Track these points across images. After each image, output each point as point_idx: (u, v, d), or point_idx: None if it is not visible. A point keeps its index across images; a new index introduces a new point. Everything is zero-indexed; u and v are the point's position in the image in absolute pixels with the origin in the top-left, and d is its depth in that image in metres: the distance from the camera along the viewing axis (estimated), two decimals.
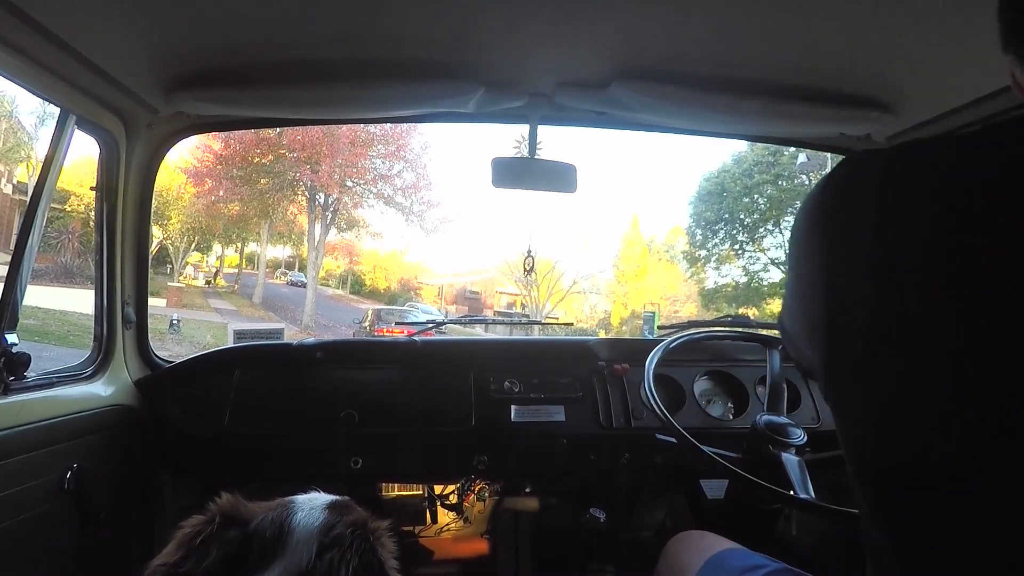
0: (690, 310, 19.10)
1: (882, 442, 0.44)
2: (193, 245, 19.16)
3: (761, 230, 17.73)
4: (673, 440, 1.23)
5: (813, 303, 0.49)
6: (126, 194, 1.39)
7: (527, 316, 16.68)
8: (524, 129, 1.47)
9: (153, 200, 1.48)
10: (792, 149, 14.41)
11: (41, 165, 1.15)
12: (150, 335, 1.54)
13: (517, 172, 1.48)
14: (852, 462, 0.48)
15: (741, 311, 17.02)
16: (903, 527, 0.43)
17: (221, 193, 15.16)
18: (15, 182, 14.36)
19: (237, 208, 15.89)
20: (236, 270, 23.50)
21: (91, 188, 1.36)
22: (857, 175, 0.48)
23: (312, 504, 0.77)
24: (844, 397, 0.48)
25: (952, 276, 0.39)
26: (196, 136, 1.52)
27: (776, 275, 17.80)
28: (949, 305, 0.39)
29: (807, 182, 16.76)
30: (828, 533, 1.64)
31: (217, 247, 22.73)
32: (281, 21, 1.04)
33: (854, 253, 0.45)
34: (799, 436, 1.20)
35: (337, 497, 0.80)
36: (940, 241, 0.40)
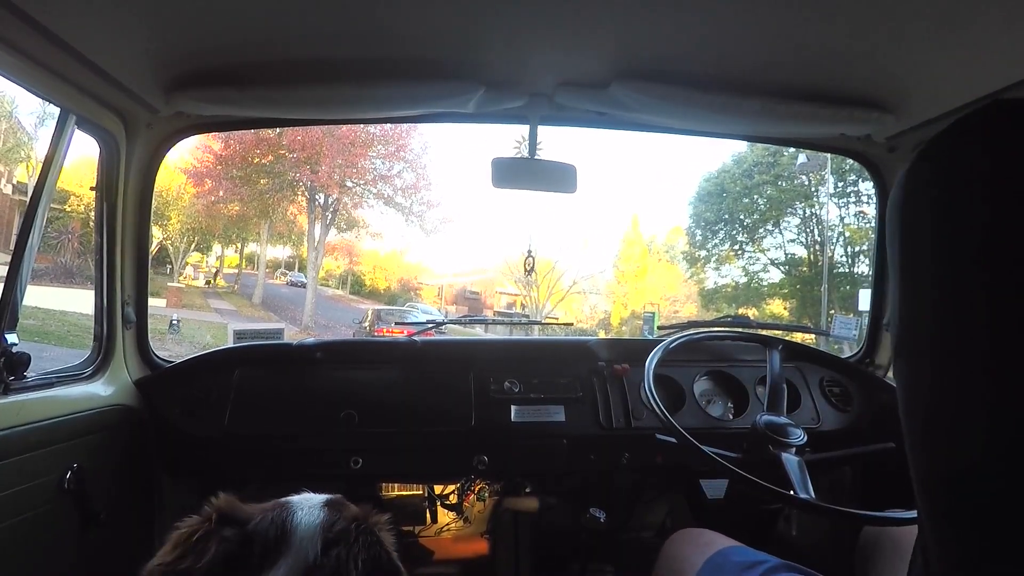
0: (690, 310, 19.10)
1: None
2: (193, 245, 19.14)
3: (761, 230, 17.74)
4: (673, 440, 1.23)
5: None
6: (126, 194, 1.39)
7: (527, 316, 16.67)
8: (524, 129, 1.47)
9: (153, 200, 1.48)
10: (792, 150, 14.42)
11: (41, 165, 1.15)
12: (150, 335, 1.54)
13: (517, 172, 1.48)
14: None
15: (741, 311, 17.04)
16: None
17: (221, 193, 15.14)
18: (15, 182, 14.36)
19: (237, 208, 15.87)
20: (236, 270, 23.46)
21: (91, 188, 1.36)
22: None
23: (309, 503, 0.77)
24: None
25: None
26: (196, 136, 1.52)
27: (775, 275, 17.83)
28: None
29: (807, 182, 16.78)
30: (828, 533, 1.64)
31: (217, 247, 22.70)
32: (281, 21, 1.04)
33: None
34: (799, 436, 1.20)
35: (330, 496, 0.80)
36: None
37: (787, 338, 1.66)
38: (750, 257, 18.17)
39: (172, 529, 0.72)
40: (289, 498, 0.78)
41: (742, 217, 17.72)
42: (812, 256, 17.17)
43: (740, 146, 17.13)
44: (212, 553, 0.68)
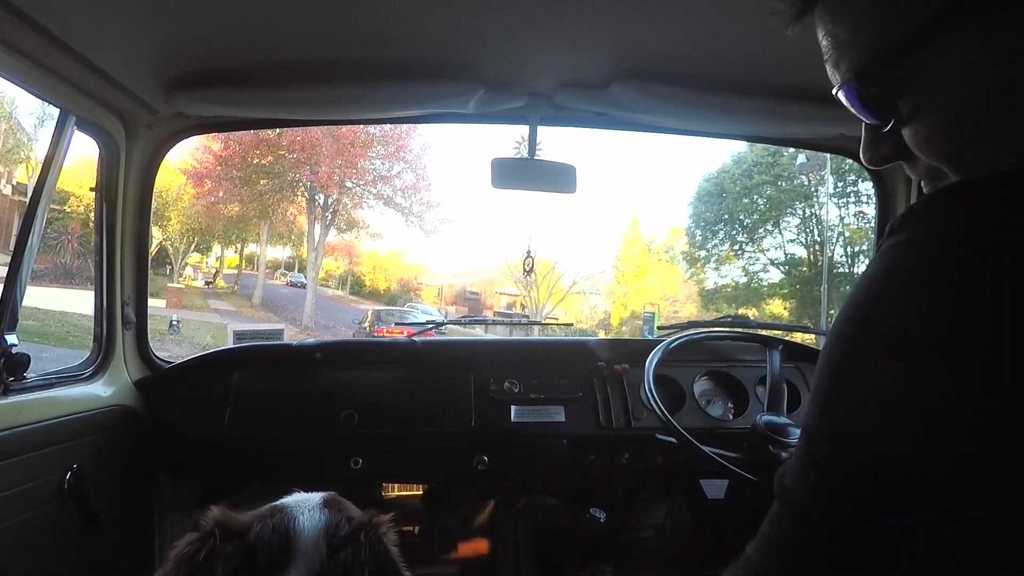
0: (690, 310, 19.12)
1: None
2: (193, 246, 19.19)
3: (761, 231, 17.75)
4: (673, 440, 1.23)
5: None
6: (126, 195, 1.39)
7: (527, 317, 16.68)
8: (524, 130, 1.47)
9: (153, 201, 1.48)
10: (792, 150, 14.43)
11: (41, 166, 1.15)
12: (150, 336, 1.54)
13: (517, 173, 1.48)
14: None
15: (741, 311, 17.03)
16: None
17: (221, 194, 15.17)
18: (15, 183, 14.36)
19: (237, 209, 15.90)
20: (236, 271, 23.51)
21: (91, 189, 1.36)
22: None
23: (307, 505, 0.76)
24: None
25: None
26: (196, 137, 1.52)
27: (775, 275, 17.84)
28: None
29: (807, 182, 16.80)
30: None
31: (217, 248, 22.77)
32: (281, 22, 1.04)
33: None
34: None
35: (325, 494, 0.80)
36: None
37: (787, 338, 1.66)
38: (750, 257, 18.20)
39: (173, 529, 0.72)
40: (284, 501, 0.77)
41: (742, 217, 17.73)
42: (812, 256, 17.19)
43: (740, 146, 17.16)
44: (220, 574, 0.67)
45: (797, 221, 17.43)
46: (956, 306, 0.35)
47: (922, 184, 0.52)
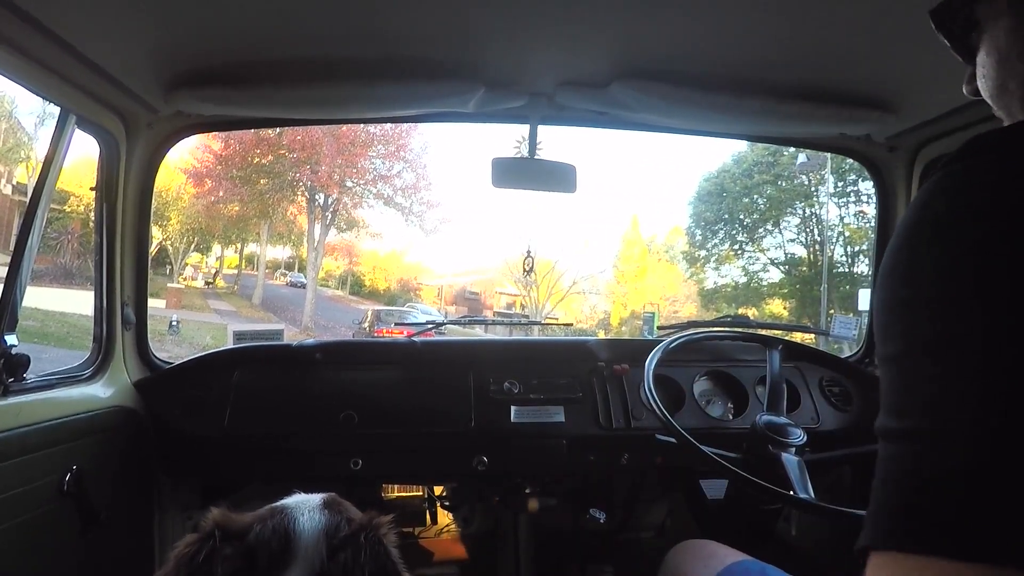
0: (690, 310, 19.12)
1: None
2: (193, 246, 19.18)
3: (761, 230, 17.76)
4: (673, 440, 1.23)
5: None
6: (126, 194, 1.38)
7: (527, 317, 16.68)
8: (524, 129, 1.47)
9: (153, 200, 1.48)
10: (792, 149, 14.44)
11: (41, 165, 1.15)
12: (149, 336, 1.54)
13: (517, 172, 1.48)
14: None
15: (741, 311, 17.05)
16: None
17: (221, 193, 15.18)
18: (15, 182, 14.36)
19: (237, 209, 15.90)
20: (236, 271, 23.53)
21: (91, 188, 1.36)
22: None
23: (307, 506, 0.76)
24: None
25: None
26: (196, 136, 1.52)
27: (775, 275, 17.85)
28: None
29: (807, 182, 16.80)
30: (827, 533, 1.64)
31: (217, 248, 22.76)
32: (281, 21, 1.04)
33: None
34: (799, 436, 1.20)
35: (326, 495, 0.80)
36: None
37: (787, 338, 1.66)
38: (750, 257, 18.22)
39: (174, 530, 0.72)
40: (284, 502, 0.77)
41: (742, 217, 17.74)
42: (812, 256, 17.20)
43: (740, 146, 17.18)
44: (219, 575, 0.67)
45: (797, 221, 17.46)
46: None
47: (920, 181, 0.55)
